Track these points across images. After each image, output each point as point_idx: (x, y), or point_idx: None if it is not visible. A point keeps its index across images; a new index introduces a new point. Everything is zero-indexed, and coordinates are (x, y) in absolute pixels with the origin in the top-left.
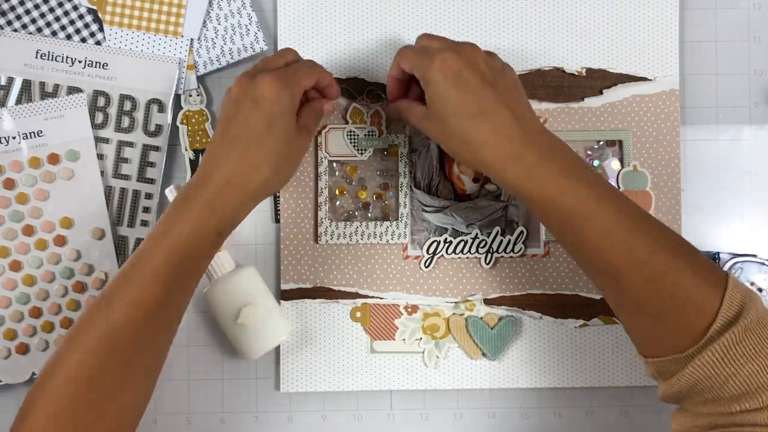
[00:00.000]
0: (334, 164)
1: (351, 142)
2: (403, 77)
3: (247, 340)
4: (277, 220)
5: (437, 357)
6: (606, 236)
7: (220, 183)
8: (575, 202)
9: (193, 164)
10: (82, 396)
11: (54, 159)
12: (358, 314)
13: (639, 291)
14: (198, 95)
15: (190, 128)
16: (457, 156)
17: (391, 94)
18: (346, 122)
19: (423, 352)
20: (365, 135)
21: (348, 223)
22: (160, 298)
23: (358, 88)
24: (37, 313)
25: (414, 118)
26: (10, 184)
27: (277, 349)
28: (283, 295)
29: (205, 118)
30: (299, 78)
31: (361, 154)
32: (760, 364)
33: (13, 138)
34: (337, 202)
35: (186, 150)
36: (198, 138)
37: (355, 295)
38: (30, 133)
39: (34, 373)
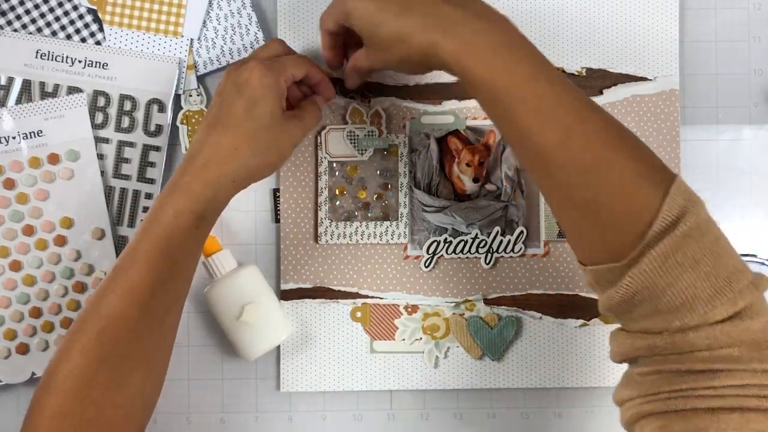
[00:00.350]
0: (334, 164)
1: (351, 142)
2: (335, 43)
3: (249, 339)
4: (277, 220)
5: (437, 357)
6: (539, 118)
7: (197, 166)
8: (508, 80)
9: None
10: (84, 391)
11: (54, 159)
12: (358, 314)
13: (571, 185)
14: (198, 95)
15: (190, 128)
16: (410, 67)
17: (331, 62)
18: (346, 122)
19: (423, 352)
20: (365, 135)
21: (348, 223)
22: (149, 287)
23: (357, 88)
24: (37, 313)
25: (360, 63)
26: (10, 184)
27: (277, 349)
28: (283, 295)
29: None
30: (285, 66)
31: (361, 154)
32: (698, 273)
33: (13, 138)
34: (337, 202)
35: (186, 150)
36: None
37: (355, 295)
38: (30, 133)
39: (34, 373)
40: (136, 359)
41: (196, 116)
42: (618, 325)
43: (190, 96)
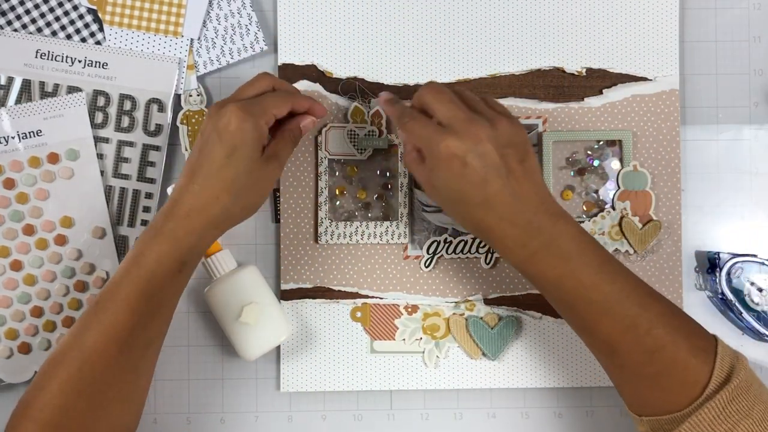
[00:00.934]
0: (335, 164)
1: (351, 142)
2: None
3: (248, 340)
4: (277, 220)
5: (437, 357)
6: (605, 315)
7: (181, 214)
8: (575, 284)
9: None
10: (61, 423)
11: (54, 158)
12: (358, 314)
13: (636, 363)
14: (198, 95)
15: (190, 128)
16: (462, 225)
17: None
18: (347, 122)
19: (423, 352)
20: (365, 135)
21: (348, 223)
22: (130, 327)
23: (358, 88)
24: (38, 312)
25: (421, 181)
26: (10, 183)
27: (277, 349)
28: (283, 295)
29: (205, 118)
30: (266, 107)
31: (361, 153)
32: (754, 419)
33: (12, 138)
34: (337, 202)
35: (186, 150)
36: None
37: (355, 295)
38: (29, 132)
39: (36, 373)
40: (114, 393)
41: (196, 116)
42: None
43: (190, 96)
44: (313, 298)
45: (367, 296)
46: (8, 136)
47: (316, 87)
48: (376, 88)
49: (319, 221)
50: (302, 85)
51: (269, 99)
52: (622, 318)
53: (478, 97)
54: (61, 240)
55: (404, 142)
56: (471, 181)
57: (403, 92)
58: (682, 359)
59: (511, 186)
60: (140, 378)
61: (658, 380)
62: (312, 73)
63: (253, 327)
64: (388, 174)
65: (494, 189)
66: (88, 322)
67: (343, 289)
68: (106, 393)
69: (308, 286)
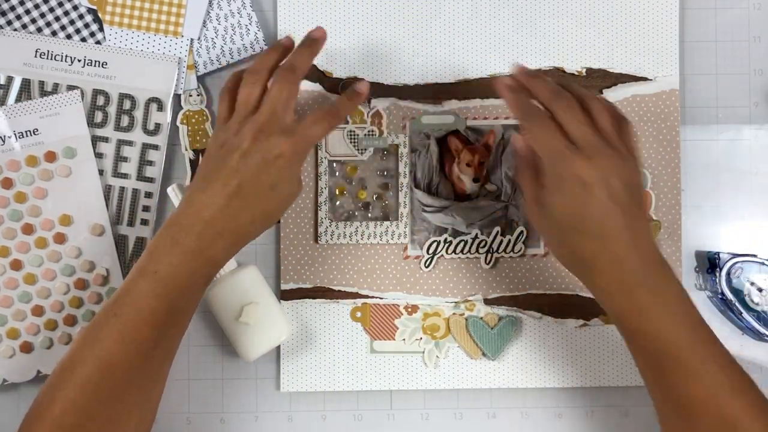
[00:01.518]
0: (334, 164)
1: (351, 142)
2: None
3: (248, 340)
4: (277, 221)
5: (437, 357)
6: (692, 381)
7: (211, 233)
8: (673, 341)
9: (193, 164)
10: (81, 427)
11: (51, 157)
12: (358, 314)
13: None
14: (198, 95)
15: (190, 128)
16: (555, 252)
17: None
18: (347, 122)
19: (423, 352)
20: (365, 135)
21: (348, 223)
22: (153, 340)
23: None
24: (39, 311)
25: (527, 195)
26: (7, 183)
27: (277, 349)
28: (283, 295)
29: (205, 118)
30: (312, 137)
31: (361, 153)
32: None
33: (9, 137)
34: (337, 202)
35: (186, 150)
36: (198, 138)
37: (355, 295)
38: (26, 131)
39: (39, 371)
40: (133, 401)
41: (196, 116)
42: None
43: (190, 96)
44: (313, 298)
45: (367, 296)
46: (5, 136)
47: (316, 87)
48: (376, 88)
49: (319, 221)
50: (302, 86)
51: (315, 127)
52: (708, 387)
53: (615, 120)
54: (61, 238)
55: (519, 145)
56: (591, 212)
57: (403, 92)
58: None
59: (631, 227)
60: (157, 385)
61: None
62: (312, 72)
63: (253, 327)
64: (387, 174)
65: (615, 225)
66: (106, 332)
67: (343, 289)
68: (125, 401)
69: (308, 286)
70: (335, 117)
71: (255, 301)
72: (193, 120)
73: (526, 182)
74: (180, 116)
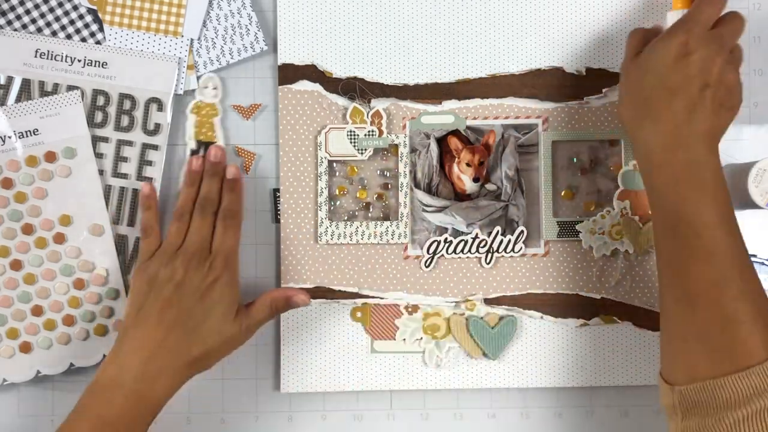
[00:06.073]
0: (335, 164)
1: (351, 142)
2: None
3: None
4: (277, 221)
5: (437, 357)
6: (703, 261)
7: (152, 372)
8: (694, 214)
9: (194, 154)
10: None
11: (51, 157)
12: (359, 314)
13: (708, 326)
14: (214, 88)
15: (198, 119)
16: (625, 102)
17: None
18: (346, 122)
19: (423, 352)
20: (365, 135)
21: (348, 223)
22: None
23: (358, 88)
24: (39, 311)
25: (627, 51)
26: (7, 183)
27: (278, 349)
28: None
29: (215, 112)
30: (231, 247)
31: (362, 153)
32: None
33: (9, 137)
34: (338, 202)
35: (189, 139)
36: (204, 131)
37: (356, 295)
38: (26, 132)
39: (39, 371)
40: None
41: (207, 108)
42: None
43: (206, 87)
44: (314, 298)
45: (367, 296)
46: (5, 136)
47: (316, 87)
48: (376, 88)
49: (319, 221)
50: (302, 85)
51: (228, 238)
52: (719, 272)
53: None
54: (60, 238)
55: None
56: (680, 70)
57: (403, 92)
58: (752, 345)
59: (705, 101)
60: None
61: (717, 355)
62: (312, 73)
63: None
64: (388, 174)
65: (692, 90)
66: None
67: (343, 289)
68: None
69: (308, 286)
70: (233, 218)
71: None
72: (203, 112)
73: (633, 40)
74: (191, 105)
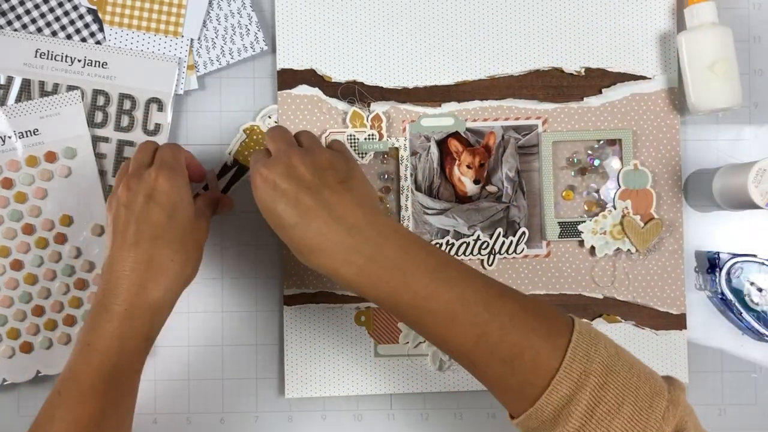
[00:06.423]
0: None
1: (351, 146)
2: None
3: (708, 89)
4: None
5: (441, 360)
6: (452, 326)
7: (132, 290)
8: (412, 296)
9: (224, 169)
10: None
11: (51, 157)
12: (362, 318)
13: (498, 374)
14: (276, 122)
15: (247, 140)
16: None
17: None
18: (346, 126)
19: (428, 355)
20: (365, 138)
21: None
22: (97, 414)
23: (357, 92)
24: (39, 311)
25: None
26: (7, 183)
27: (281, 352)
28: (287, 301)
29: (263, 138)
30: (178, 159)
31: (362, 157)
32: (624, 416)
33: (9, 137)
34: None
35: (229, 154)
36: (246, 154)
37: (359, 299)
38: (26, 131)
39: (38, 371)
40: None
41: (260, 135)
42: None
43: (270, 117)
44: (317, 302)
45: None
46: (5, 136)
47: (315, 91)
48: (375, 91)
49: None
50: (301, 90)
51: (169, 150)
52: (471, 326)
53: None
54: (61, 238)
55: None
56: (284, 202)
57: (402, 95)
58: (545, 363)
59: (325, 199)
60: None
61: (522, 390)
62: (311, 77)
63: (721, 80)
64: (388, 177)
65: (306, 204)
66: (51, 416)
67: (346, 293)
68: None
69: (311, 291)
70: (173, 145)
71: (728, 57)
72: (255, 137)
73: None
74: (246, 126)
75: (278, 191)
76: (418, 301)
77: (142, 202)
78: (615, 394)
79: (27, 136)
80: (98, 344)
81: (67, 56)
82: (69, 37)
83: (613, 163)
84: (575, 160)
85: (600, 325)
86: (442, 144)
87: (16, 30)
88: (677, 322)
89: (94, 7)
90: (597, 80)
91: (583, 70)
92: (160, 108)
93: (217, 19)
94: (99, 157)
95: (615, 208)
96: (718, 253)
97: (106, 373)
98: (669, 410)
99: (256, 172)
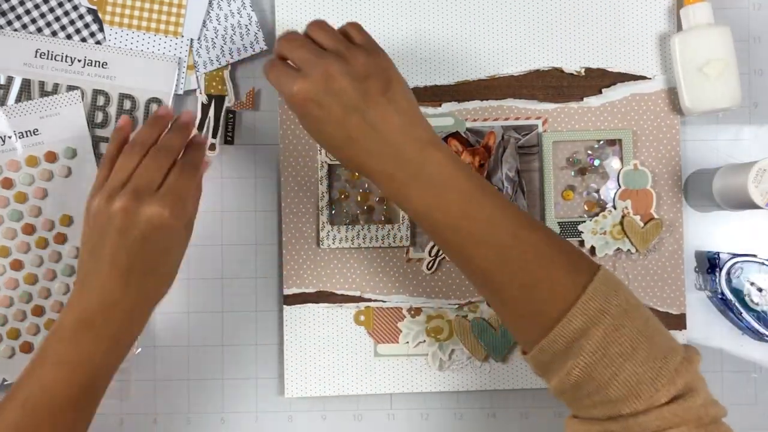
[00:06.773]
0: (336, 168)
1: None
2: None
3: (702, 90)
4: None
5: (441, 359)
6: (477, 246)
7: (123, 317)
8: (444, 213)
9: (204, 108)
10: None
11: (51, 157)
12: (362, 318)
13: (514, 299)
14: None
15: (207, 74)
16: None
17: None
18: None
19: (427, 355)
20: None
21: (350, 226)
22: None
23: None
24: (39, 311)
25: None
26: (8, 183)
27: (281, 352)
28: (286, 301)
29: (221, 78)
30: (184, 194)
31: None
32: (637, 360)
33: (10, 137)
34: (339, 206)
35: (200, 93)
36: (214, 84)
37: (359, 299)
38: (26, 131)
39: None
40: None
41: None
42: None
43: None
44: (316, 302)
45: (370, 300)
46: (5, 136)
47: None
48: None
49: (321, 225)
50: None
51: (185, 179)
52: (495, 249)
53: (343, 27)
54: (61, 238)
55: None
56: (331, 121)
57: None
58: (562, 295)
59: (371, 118)
60: None
61: (537, 318)
62: None
63: (713, 81)
64: None
65: (353, 124)
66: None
67: (346, 293)
68: None
69: (311, 290)
70: (194, 168)
71: (723, 58)
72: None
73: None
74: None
75: (324, 110)
76: (449, 220)
77: (139, 238)
78: (630, 338)
79: (27, 136)
80: (84, 363)
81: (67, 56)
82: (69, 37)
83: (613, 163)
84: (575, 160)
85: None
86: None
87: (16, 30)
88: (677, 322)
89: (94, 7)
90: (597, 80)
91: (583, 70)
92: None
93: (217, 19)
94: (99, 157)
95: (615, 208)
96: (718, 253)
97: (88, 390)
98: (683, 365)
99: (289, 92)
